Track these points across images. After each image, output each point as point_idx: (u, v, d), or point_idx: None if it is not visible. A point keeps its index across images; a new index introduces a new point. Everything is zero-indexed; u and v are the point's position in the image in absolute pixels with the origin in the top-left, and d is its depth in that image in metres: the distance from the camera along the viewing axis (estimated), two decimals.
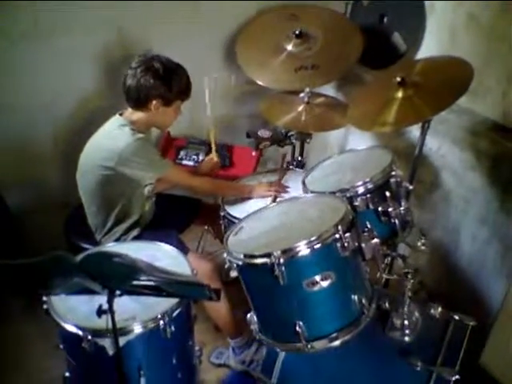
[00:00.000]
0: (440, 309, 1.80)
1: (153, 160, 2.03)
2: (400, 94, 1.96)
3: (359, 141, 2.89)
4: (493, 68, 2.15)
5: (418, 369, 1.66)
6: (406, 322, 1.78)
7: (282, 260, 1.47)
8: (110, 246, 1.98)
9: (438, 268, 2.54)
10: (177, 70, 2.00)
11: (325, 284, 1.50)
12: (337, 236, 1.50)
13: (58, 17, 2.29)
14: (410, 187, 1.99)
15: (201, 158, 2.58)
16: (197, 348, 1.88)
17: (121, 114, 2.05)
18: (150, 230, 2.17)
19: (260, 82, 2.49)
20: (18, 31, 2.26)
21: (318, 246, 1.48)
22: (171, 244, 1.91)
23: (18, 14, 2.22)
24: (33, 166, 2.55)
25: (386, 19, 2.62)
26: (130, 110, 2.04)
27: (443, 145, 2.41)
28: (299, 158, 2.61)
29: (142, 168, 1.98)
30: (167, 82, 1.96)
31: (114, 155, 1.92)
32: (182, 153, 2.61)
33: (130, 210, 2.10)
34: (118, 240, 2.11)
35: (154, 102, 1.97)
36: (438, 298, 2.40)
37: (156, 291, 1.43)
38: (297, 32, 2.46)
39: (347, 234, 1.51)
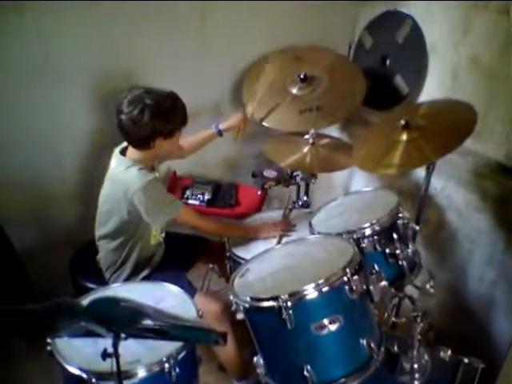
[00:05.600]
0: (449, 352, 1.77)
1: (164, 202, 2.00)
2: (404, 137, 1.97)
3: (364, 181, 2.92)
4: (496, 109, 2.17)
5: None
6: (415, 366, 1.75)
7: (289, 303, 1.46)
8: (117, 287, 1.98)
9: (445, 308, 2.51)
10: (170, 101, 1.94)
11: (333, 328, 1.49)
12: (345, 279, 1.50)
13: (68, 54, 2.31)
14: (417, 228, 1.99)
15: (206, 197, 2.59)
16: None
17: (122, 153, 2.03)
18: (160, 270, 2.17)
19: (265, 124, 2.52)
20: (27, 67, 2.27)
21: (326, 289, 1.48)
22: (181, 285, 1.90)
23: (29, 51, 2.24)
24: (39, 204, 2.54)
25: (388, 61, 2.67)
26: (131, 147, 2.01)
27: (448, 185, 2.42)
28: (304, 198, 2.62)
29: (154, 212, 1.96)
30: (166, 117, 1.91)
31: (128, 199, 1.91)
32: (188, 192, 2.62)
33: (139, 249, 2.10)
34: (127, 279, 2.11)
35: (158, 141, 1.95)
36: (446, 338, 2.37)
37: (161, 335, 1.41)
38: (301, 76, 2.49)
39: (355, 277, 1.51)
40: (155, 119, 1.88)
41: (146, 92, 1.90)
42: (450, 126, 1.95)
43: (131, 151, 2.01)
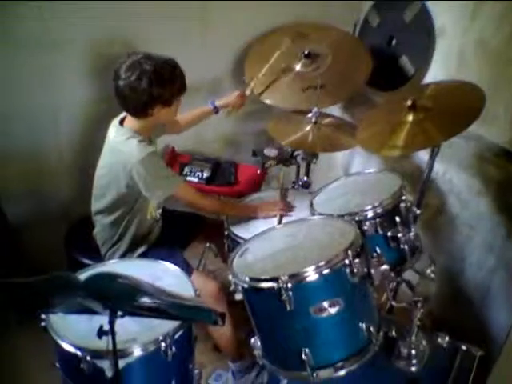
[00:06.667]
0: (447, 338, 1.76)
1: (164, 177, 1.97)
2: (410, 118, 1.93)
3: (365, 162, 2.88)
4: (500, 93, 2.13)
5: None
6: (413, 352, 1.74)
7: (289, 285, 1.44)
8: (113, 264, 1.94)
9: (442, 294, 2.50)
10: (169, 67, 1.89)
11: (333, 311, 1.47)
12: (346, 261, 1.47)
13: (67, 27, 2.25)
14: (418, 212, 1.97)
15: (205, 175, 2.54)
16: (196, 371, 1.83)
17: (121, 124, 1.99)
18: (156, 248, 2.13)
19: (268, 101, 2.47)
20: (26, 37, 2.20)
21: (327, 271, 1.46)
22: (176, 263, 1.87)
23: (28, 24, 2.18)
24: (36, 178, 2.50)
25: (394, 41, 2.62)
26: (129, 117, 1.97)
27: (450, 169, 2.39)
28: (305, 178, 2.58)
29: (153, 186, 1.93)
30: (164, 84, 1.86)
31: (127, 171, 1.88)
32: (187, 169, 2.57)
33: (136, 224, 2.07)
34: (123, 256, 2.09)
35: (156, 109, 1.91)
36: (443, 325, 2.37)
37: (159, 313, 1.39)
38: (305, 52, 2.44)
39: (357, 260, 1.48)
40: (153, 85, 1.84)
41: (144, 57, 1.86)
42: (458, 108, 1.91)
43: (130, 120, 1.97)
